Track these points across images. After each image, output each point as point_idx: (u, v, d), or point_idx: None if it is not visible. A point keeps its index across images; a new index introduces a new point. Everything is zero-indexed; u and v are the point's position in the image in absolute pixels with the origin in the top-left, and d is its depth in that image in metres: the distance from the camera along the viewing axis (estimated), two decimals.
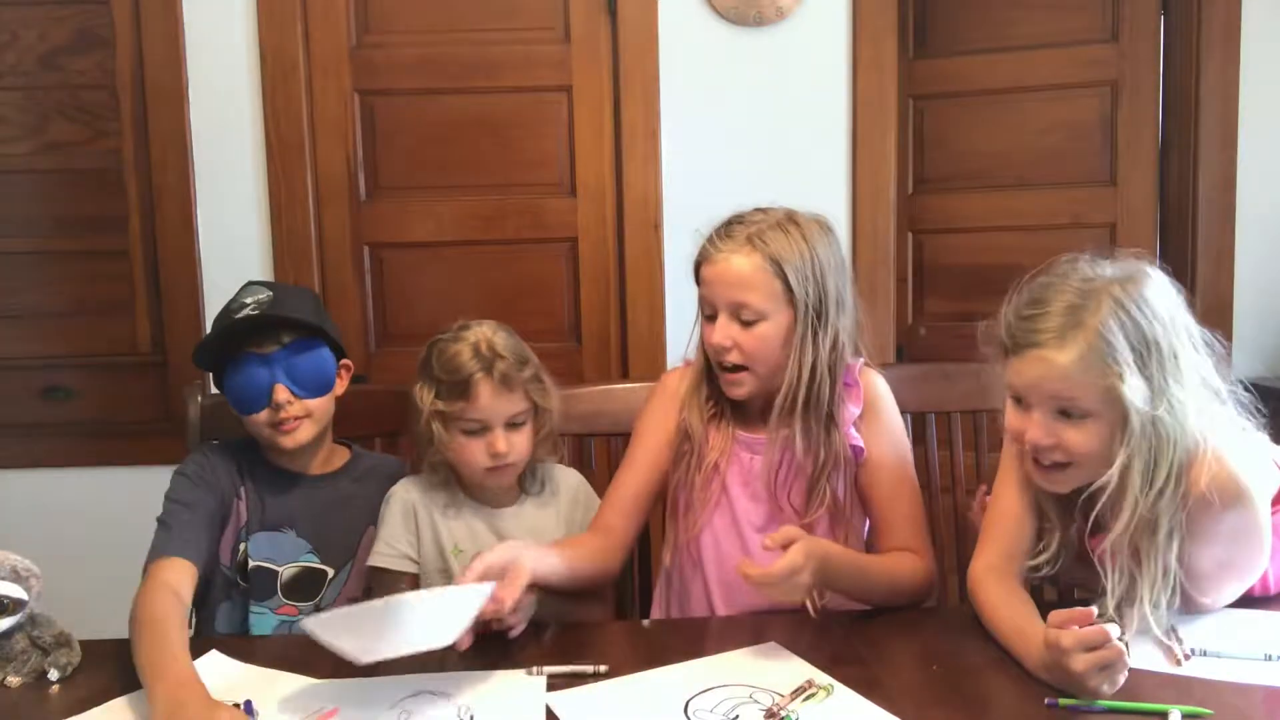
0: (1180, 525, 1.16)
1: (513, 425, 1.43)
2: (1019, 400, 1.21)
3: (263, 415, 1.43)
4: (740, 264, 1.38)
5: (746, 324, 1.39)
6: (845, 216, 2.38)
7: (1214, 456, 1.15)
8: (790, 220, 1.41)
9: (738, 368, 1.41)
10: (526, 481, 1.53)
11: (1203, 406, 1.17)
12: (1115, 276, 1.18)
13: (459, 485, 1.50)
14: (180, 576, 1.33)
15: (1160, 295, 1.18)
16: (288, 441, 1.44)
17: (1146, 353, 1.13)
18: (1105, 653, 1.03)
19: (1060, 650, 1.05)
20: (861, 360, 1.50)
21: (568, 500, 1.55)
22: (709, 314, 1.44)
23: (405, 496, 1.49)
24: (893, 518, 1.45)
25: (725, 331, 1.40)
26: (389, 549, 1.46)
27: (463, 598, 1.17)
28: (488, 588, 1.18)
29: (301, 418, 1.44)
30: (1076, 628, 1.05)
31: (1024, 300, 1.21)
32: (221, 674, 1.21)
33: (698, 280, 1.46)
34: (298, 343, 1.44)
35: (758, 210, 1.44)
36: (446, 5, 2.34)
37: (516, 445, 1.43)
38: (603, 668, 1.18)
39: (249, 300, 1.45)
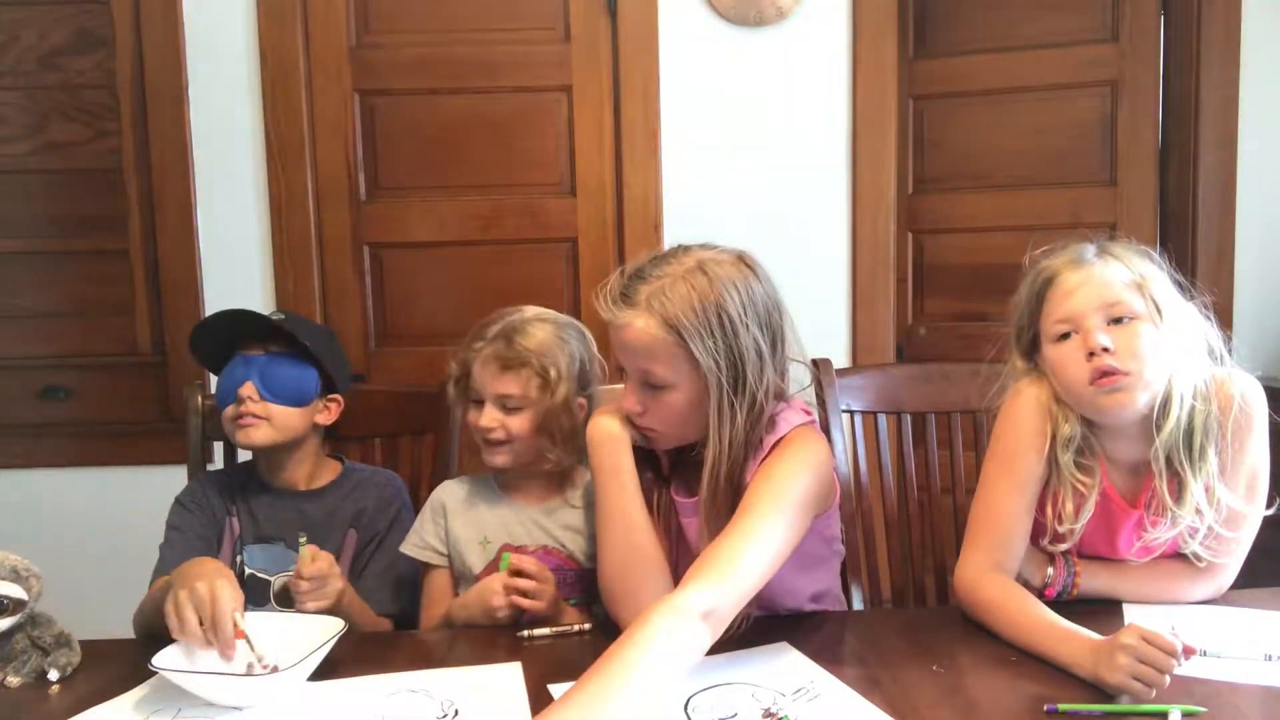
0: (1214, 439, 1.30)
1: (507, 407, 1.45)
2: (1066, 335, 1.30)
3: (230, 410, 1.50)
4: (640, 331, 1.23)
5: (656, 389, 1.27)
6: (845, 216, 2.38)
7: (1229, 371, 1.34)
8: (700, 270, 1.23)
9: (651, 428, 1.31)
10: (565, 488, 1.52)
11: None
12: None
13: (500, 484, 1.52)
14: None
15: None
16: (241, 438, 1.50)
17: (1157, 275, 1.32)
18: (1160, 658, 1.05)
19: (1127, 636, 1.07)
20: (790, 409, 1.32)
21: None
22: (620, 368, 1.31)
23: (438, 496, 1.53)
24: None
25: (636, 397, 1.28)
26: (417, 539, 1.50)
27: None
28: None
29: (260, 418, 1.49)
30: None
31: (1051, 253, 1.37)
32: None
33: None
34: (285, 355, 1.51)
35: (667, 257, 1.27)
36: (446, 5, 2.34)
37: (509, 426, 1.44)
38: (587, 626, 1.33)
39: (264, 312, 1.53)
